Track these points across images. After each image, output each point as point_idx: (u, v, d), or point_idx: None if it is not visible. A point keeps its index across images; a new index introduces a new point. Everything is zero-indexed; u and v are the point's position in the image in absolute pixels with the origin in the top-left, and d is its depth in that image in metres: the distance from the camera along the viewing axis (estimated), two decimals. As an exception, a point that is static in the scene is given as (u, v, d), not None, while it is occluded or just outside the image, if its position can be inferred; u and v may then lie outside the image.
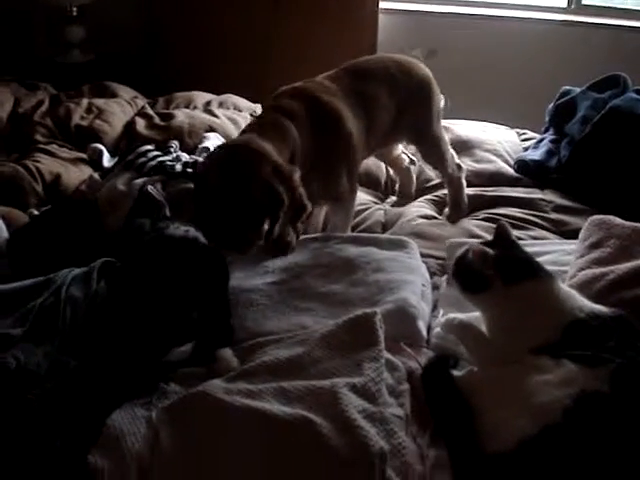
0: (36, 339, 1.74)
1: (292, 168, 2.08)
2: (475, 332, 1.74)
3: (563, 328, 1.59)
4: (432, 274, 2.24)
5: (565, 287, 1.73)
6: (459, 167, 2.73)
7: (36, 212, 2.48)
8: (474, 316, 1.79)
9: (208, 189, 2.05)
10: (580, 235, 2.19)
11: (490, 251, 1.70)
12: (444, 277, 2.20)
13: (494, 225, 2.41)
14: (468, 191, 2.76)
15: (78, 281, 1.92)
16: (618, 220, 2.14)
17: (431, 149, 2.66)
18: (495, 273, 1.69)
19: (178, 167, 2.54)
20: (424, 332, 1.90)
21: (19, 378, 1.62)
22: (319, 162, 2.26)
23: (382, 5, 4.12)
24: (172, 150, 2.77)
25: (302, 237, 2.43)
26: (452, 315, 1.84)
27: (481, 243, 1.81)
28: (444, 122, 2.83)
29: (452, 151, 2.72)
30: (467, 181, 2.77)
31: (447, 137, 2.77)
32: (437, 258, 2.35)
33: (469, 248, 1.76)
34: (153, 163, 2.58)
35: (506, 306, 1.68)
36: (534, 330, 1.61)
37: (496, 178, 2.89)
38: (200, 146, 2.86)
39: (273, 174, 2.01)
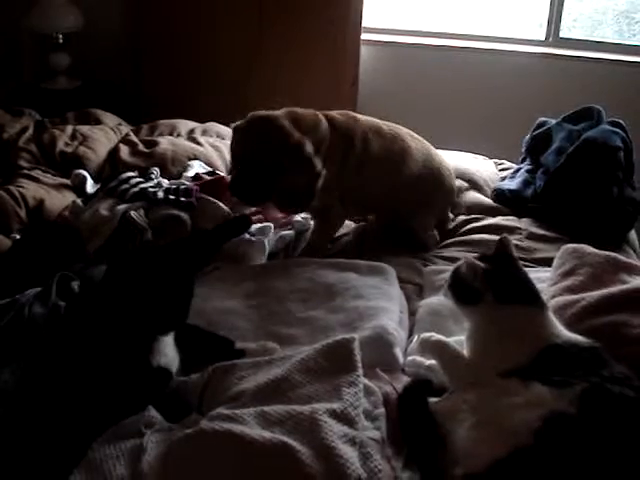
0: (2, 359, 1.76)
1: (301, 136, 2.35)
2: (451, 350, 1.77)
3: (538, 352, 1.63)
4: (409, 298, 2.27)
5: (552, 316, 1.76)
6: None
7: (18, 237, 2.50)
8: (451, 339, 1.83)
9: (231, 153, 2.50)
10: (553, 263, 2.24)
11: (480, 265, 1.74)
12: (421, 302, 2.24)
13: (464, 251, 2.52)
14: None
15: (39, 298, 1.96)
16: (590, 249, 2.19)
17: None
18: (486, 287, 1.73)
19: (160, 194, 2.58)
20: (401, 358, 1.93)
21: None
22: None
23: (363, 37, 4.17)
24: (153, 177, 2.81)
25: (282, 260, 2.49)
26: (428, 334, 1.86)
27: (481, 256, 1.85)
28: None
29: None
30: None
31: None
32: (414, 284, 2.39)
33: (464, 261, 1.81)
34: (135, 190, 2.62)
35: (492, 322, 1.72)
36: (511, 352, 1.65)
37: (473, 207, 2.94)
38: (185, 174, 2.89)
39: (282, 142, 2.32)
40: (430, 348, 1.83)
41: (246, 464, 1.50)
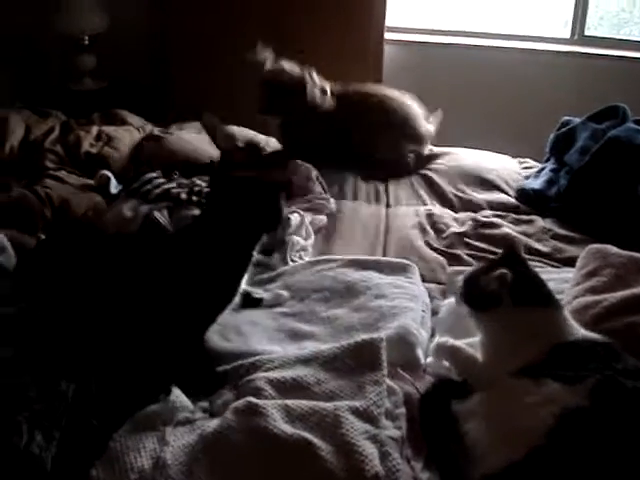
0: (26, 360, 1.77)
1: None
2: (465, 354, 1.78)
3: (549, 349, 1.62)
4: (432, 298, 2.26)
5: (566, 315, 1.75)
6: None
7: (43, 237, 2.53)
8: (467, 342, 1.82)
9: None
10: (577, 264, 2.23)
11: (509, 274, 1.72)
12: (444, 301, 2.23)
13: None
14: (468, 215, 2.85)
15: None
16: (614, 249, 2.18)
17: None
18: (506, 292, 1.72)
19: (183, 195, 2.60)
20: (422, 359, 1.93)
21: (6, 401, 1.63)
22: None
23: (387, 36, 4.17)
24: (175, 177, 2.84)
25: (304, 260, 2.48)
26: (443, 339, 1.88)
27: (491, 260, 1.85)
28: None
29: None
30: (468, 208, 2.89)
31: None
32: (438, 282, 2.38)
33: (483, 268, 1.81)
34: (158, 191, 2.64)
35: (508, 325, 1.71)
36: (523, 350, 1.64)
37: (497, 206, 2.94)
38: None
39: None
40: (445, 353, 1.84)
41: (268, 457, 1.53)
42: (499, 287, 1.72)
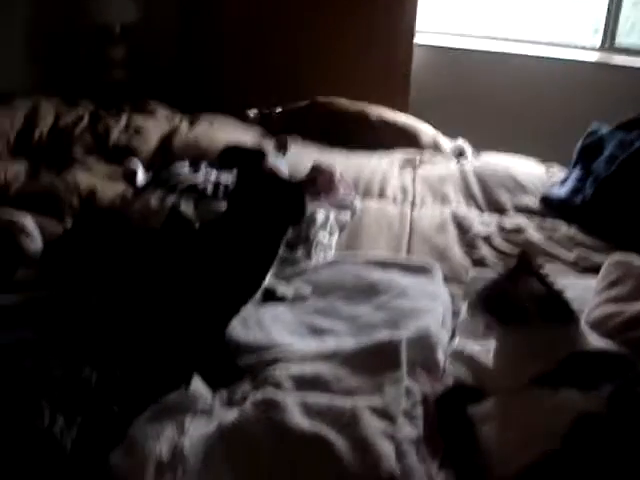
0: (51, 344, 1.78)
1: None
2: (479, 365, 1.79)
3: (563, 358, 1.61)
4: (454, 299, 2.25)
5: (581, 327, 1.73)
6: None
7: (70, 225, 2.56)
8: (486, 345, 1.82)
9: None
10: (600, 273, 2.21)
11: (541, 289, 1.71)
12: (464, 305, 2.22)
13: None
14: (494, 218, 2.85)
15: None
16: (638, 260, 2.17)
17: None
18: (535, 308, 1.70)
19: (209, 189, 2.62)
20: (442, 361, 1.92)
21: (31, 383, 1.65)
22: None
23: (417, 40, 4.15)
24: (202, 167, 2.86)
25: (328, 257, 2.48)
26: (460, 346, 1.90)
27: (505, 273, 1.83)
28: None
29: None
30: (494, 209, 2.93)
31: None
32: (460, 282, 2.38)
33: (506, 280, 1.78)
34: (183, 186, 2.66)
35: (532, 340, 1.68)
36: (541, 361, 1.63)
37: (523, 210, 2.95)
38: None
39: None
40: (462, 360, 1.85)
41: (284, 451, 1.55)
42: (529, 302, 1.70)
